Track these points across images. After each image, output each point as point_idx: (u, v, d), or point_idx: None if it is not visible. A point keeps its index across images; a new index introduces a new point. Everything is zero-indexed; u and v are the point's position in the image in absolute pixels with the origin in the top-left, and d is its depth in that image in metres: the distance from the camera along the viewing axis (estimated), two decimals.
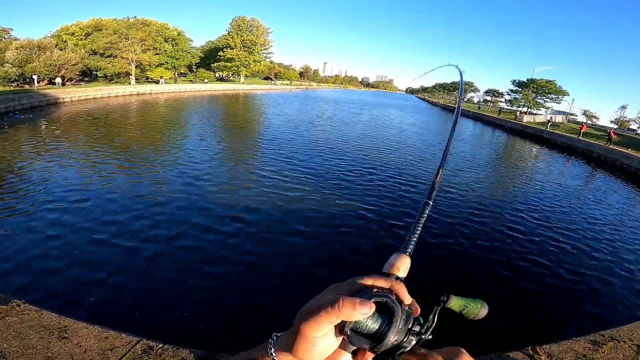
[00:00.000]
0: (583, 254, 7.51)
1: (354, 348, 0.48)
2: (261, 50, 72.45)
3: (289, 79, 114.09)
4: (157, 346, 2.76)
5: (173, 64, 51.00)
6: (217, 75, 73.44)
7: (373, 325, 0.46)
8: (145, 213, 7.21)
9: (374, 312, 0.45)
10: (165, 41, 47.87)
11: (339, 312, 0.44)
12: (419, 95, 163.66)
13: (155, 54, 45.54)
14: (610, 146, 25.67)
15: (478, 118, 56.91)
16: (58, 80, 31.21)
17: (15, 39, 31.76)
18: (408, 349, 0.48)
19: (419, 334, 0.48)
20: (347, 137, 19.70)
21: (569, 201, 11.84)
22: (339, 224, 7.49)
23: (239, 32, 68.30)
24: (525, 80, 58.65)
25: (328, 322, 0.44)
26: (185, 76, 63.22)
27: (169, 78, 50.56)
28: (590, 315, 5.39)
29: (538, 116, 52.91)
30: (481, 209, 9.55)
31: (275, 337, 0.52)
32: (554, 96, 56.32)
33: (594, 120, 56.63)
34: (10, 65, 26.89)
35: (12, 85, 26.87)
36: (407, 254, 0.59)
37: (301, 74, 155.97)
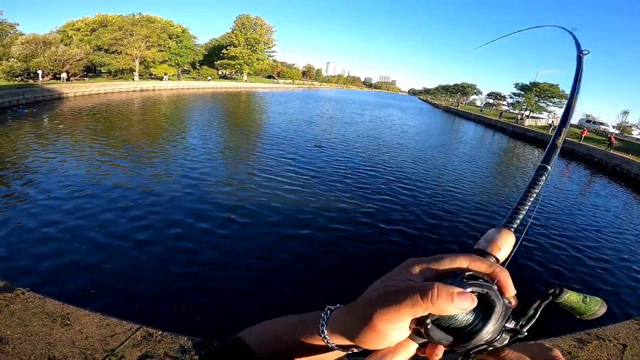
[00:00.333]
0: (572, 255, 7.59)
1: (424, 340, 0.39)
2: (265, 48, 72.67)
3: (291, 78, 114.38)
4: (156, 333, 2.88)
5: (177, 61, 51.21)
6: (220, 73, 73.65)
7: (464, 320, 0.38)
8: (147, 205, 7.36)
9: None
10: (170, 38, 48.11)
11: (429, 305, 0.35)
12: (421, 97, 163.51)
13: (159, 51, 45.78)
14: (611, 151, 25.71)
15: (480, 121, 56.91)
16: (63, 75, 31.45)
17: (21, 34, 31.99)
18: (493, 348, 0.39)
19: (512, 331, 0.40)
20: (347, 137, 19.78)
21: (564, 203, 11.91)
22: (335, 221, 7.59)
23: (243, 30, 68.53)
24: (528, 83, 58.72)
25: (411, 315, 0.36)
26: (188, 73, 63.45)
27: (173, 75, 50.80)
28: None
29: (540, 120, 52.88)
30: (474, 206, 9.64)
31: (329, 312, 0.44)
32: (556, 100, 56.38)
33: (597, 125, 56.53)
34: (15, 60, 27.06)
35: (16, 80, 27.05)
36: (512, 230, 0.47)
37: (304, 73, 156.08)
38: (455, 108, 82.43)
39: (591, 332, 3.71)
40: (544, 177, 0.54)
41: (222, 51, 66.38)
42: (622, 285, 6.69)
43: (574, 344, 3.48)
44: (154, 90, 39.42)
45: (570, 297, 0.43)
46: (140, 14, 46.61)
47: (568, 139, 33.31)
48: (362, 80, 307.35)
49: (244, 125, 21.64)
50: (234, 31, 68.83)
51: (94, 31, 44.25)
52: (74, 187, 7.99)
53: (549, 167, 0.55)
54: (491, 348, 0.39)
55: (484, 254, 0.44)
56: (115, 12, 47.06)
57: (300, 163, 12.15)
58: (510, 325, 0.40)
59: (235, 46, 66.02)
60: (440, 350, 0.38)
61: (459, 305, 0.35)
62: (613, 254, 8.13)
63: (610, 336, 3.68)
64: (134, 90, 35.87)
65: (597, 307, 0.43)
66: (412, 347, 0.40)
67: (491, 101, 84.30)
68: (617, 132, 49.76)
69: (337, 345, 0.42)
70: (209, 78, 61.26)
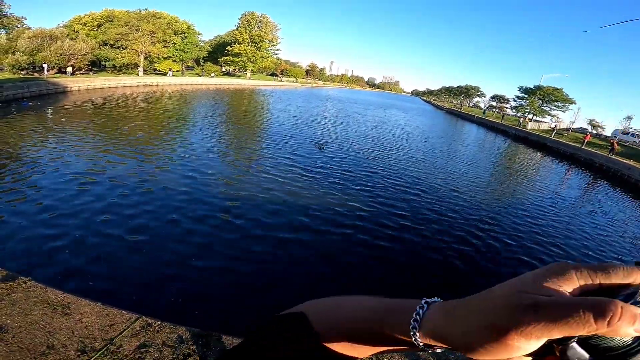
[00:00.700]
0: (568, 258, 7.63)
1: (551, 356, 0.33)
2: (269, 46, 72.67)
3: (295, 76, 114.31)
4: (155, 323, 2.94)
5: (181, 57, 51.36)
6: (223, 69, 73.70)
7: (622, 341, 0.31)
8: (146, 197, 7.47)
9: None
10: (175, 34, 48.23)
11: (604, 326, 0.28)
12: (425, 98, 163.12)
13: (164, 47, 45.92)
14: (613, 157, 25.67)
15: (482, 123, 56.83)
16: (69, 69, 31.61)
17: (28, 28, 32.19)
18: None
19: None
20: (348, 137, 19.83)
21: (562, 206, 11.94)
22: (334, 221, 7.65)
23: (248, 27, 68.52)
24: (532, 87, 58.55)
25: (569, 334, 0.30)
26: (192, 69, 63.58)
27: (177, 71, 50.95)
28: None
29: (542, 123, 52.79)
30: (472, 209, 9.67)
31: (425, 306, 0.39)
32: (560, 104, 56.23)
33: (599, 130, 56.44)
34: (21, 54, 27.21)
35: (21, 73, 27.19)
36: None
37: (307, 72, 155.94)
38: (458, 110, 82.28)
39: None
40: None
41: (227, 48, 66.45)
42: None
43: None
44: (157, 85, 39.54)
45: None
46: (146, 9, 46.76)
47: (570, 143, 33.29)
48: (366, 80, 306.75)
49: (245, 123, 21.69)
50: (239, 28, 68.83)
51: (100, 26, 44.42)
52: (74, 179, 8.10)
53: None
54: None
55: None
56: (122, 8, 47.33)
57: (300, 163, 12.21)
58: None
59: (239, 43, 66.07)
60: None
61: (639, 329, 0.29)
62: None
63: None
64: (137, 85, 35.99)
65: None
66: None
67: (494, 104, 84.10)
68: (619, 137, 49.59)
69: (424, 345, 0.38)
70: (212, 75, 61.40)
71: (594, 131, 52.71)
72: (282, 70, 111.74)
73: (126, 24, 42.27)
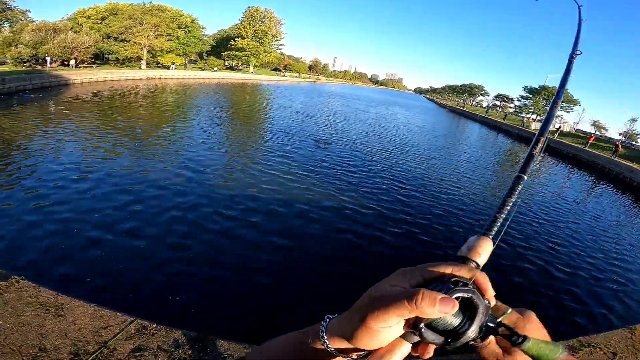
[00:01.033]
0: (565, 262, 7.56)
1: (418, 339, 0.44)
2: (272, 41, 72.40)
3: (298, 72, 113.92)
4: (150, 326, 2.88)
5: (184, 51, 51.17)
6: (226, 64, 73.47)
7: (453, 322, 0.42)
8: (144, 195, 7.36)
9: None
10: (179, 28, 48.02)
11: (414, 308, 0.39)
12: (428, 96, 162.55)
13: (167, 40, 45.74)
14: (616, 159, 25.49)
15: (485, 122, 56.60)
16: (72, 62, 31.56)
17: (32, 21, 32.12)
18: (483, 342, 0.44)
19: (493, 329, 0.44)
20: (350, 134, 19.73)
21: (562, 207, 11.86)
22: (332, 220, 7.59)
23: (252, 22, 68.25)
24: (537, 87, 58.20)
25: (399, 316, 0.41)
26: (195, 63, 63.38)
27: (180, 64, 50.80)
28: (569, 323, 5.46)
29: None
30: (470, 210, 9.61)
31: (327, 320, 0.49)
32: (564, 105, 55.93)
33: (603, 131, 56.12)
34: (24, 46, 27.16)
35: (24, 66, 27.14)
36: (490, 237, 0.53)
37: (310, 67, 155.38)
38: (461, 109, 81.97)
39: (582, 339, 3.74)
40: (520, 185, 0.58)
41: (230, 42, 66.21)
42: (619, 292, 6.67)
43: (565, 350, 3.50)
44: (160, 79, 39.43)
45: (533, 346, 0.44)
46: (150, 2, 46.50)
47: (573, 144, 33.10)
48: (369, 76, 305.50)
49: (246, 118, 21.58)
50: (243, 23, 68.58)
51: (104, 19, 44.20)
52: (71, 173, 8.04)
53: (525, 177, 0.59)
54: (472, 343, 0.43)
55: (466, 260, 0.49)
56: (126, 1, 46.99)
57: (301, 159, 12.14)
58: (491, 324, 0.43)
59: (243, 38, 65.83)
60: (431, 348, 0.43)
61: (441, 310, 0.39)
62: (608, 261, 8.10)
63: (601, 344, 3.71)
64: (140, 79, 35.89)
65: (557, 354, 0.44)
66: (407, 347, 0.44)
67: (498, 103, 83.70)
68: (624, 139, 49.36)
69: (335, 349, 0.46)
70: (215, 69, 61.21)
71: (598, 133, 52.43)
72: (285, 66, 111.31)
73: (130, 17, 42.10)
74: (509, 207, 0.56)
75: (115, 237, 5.62)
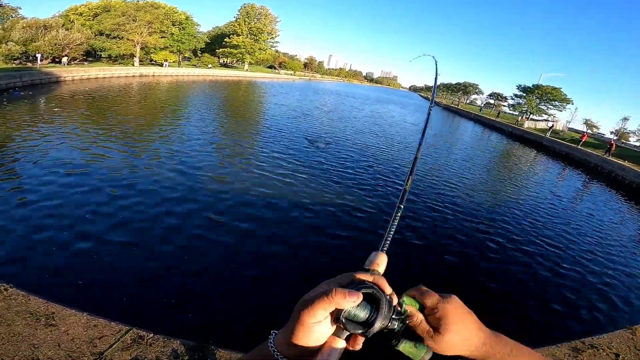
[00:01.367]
0: (564, 262, 7.57)
1: (347, 334, 0.55)
2: (268, 38, 71.92)
3: (292, 69, 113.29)
4: (147, 336, 2.78)
5: (178, 48, 50.61)
6: (221, 61, 72.88)
7: (364, 313, 0.54)
8: (136, 195, 7.18)
9: (363, 302, 0.53)
10: (173, 25, 47.44)
11: (332, 300, 0.51)
12: (422, 94, 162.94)
13: (161, 37, 45.15)
14: (609, 157, 25.71)
15: (479, 120, 56.85)
16: (64, 59, 31.07)
17: (23, 18, 31.56)
18: (396, 330, 0.58)
19: (400, 320, 0.58)
20: (345, 132, 19.66)
21: (555, 207, 11.91)
22: (333, 221, 7.52)
23: (247, 19, 67.73)
24: (530, 85, 58.44)
25: (323, 310, 0.51)
26: (189, 60, 62.79)
27: (173, 61, 50.26)
28: (570, 324, 5.46)
29: (539, 122, 52.90)
30: (462, 209, 9.60)
31: (274, 334, 0.58)
32: (557, 103, 56.26)
33: (595, 130, 56.65)
34: (14, 44, 26.70)
35: (14, 63, 26.66)
36: (384, 251, 0.68)
37: (305, 65, 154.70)
38: (455, 107, 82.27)
39: (585, 341, 3.76)
40: (399, 212, 0.75)
41: (225, 39, 65.65)
42: (618, 292, 6.68)
43: (569, 352, 3.53)
44: (153, 76, 39.00)
45: (405, 347, 0.60)
46: None
47: (566, 142, 33.37)
48: (364, 74, 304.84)
49: (240, 116, 21.37)
50: (238, 20, 68.02)
51: (96, 16, 43.46)
52: (61, 172, 7.84)
53: (402, 206, 0.76)
54: (386, 330, 0.57)
55: (369, 271, 0.62)
56: None
57: (294, 157, 12.03)
58: (396, 315, 0.57)
59: (238, 35, 65.31)
60: (360, 340, 0.56)
61: (349, 299, 0.51)
62: (607, 262, 8.13)
63: (604, 345, 3.73)
64: (133, 76, 35.44)
65: (422, 354, 0.59)
66: (341, 343, 0.55)
67: (492, 101, 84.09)
68: (615, 138, 49.90)
69: (283, 356, 0.55)
70: (209, 66, 60.73)
71: (589, 131, 52.90)
72: (280, 63, 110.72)
73: (123, 14, 41.42)
74: (393, 229, 0.73)
75: (106, 243, 5.43)
